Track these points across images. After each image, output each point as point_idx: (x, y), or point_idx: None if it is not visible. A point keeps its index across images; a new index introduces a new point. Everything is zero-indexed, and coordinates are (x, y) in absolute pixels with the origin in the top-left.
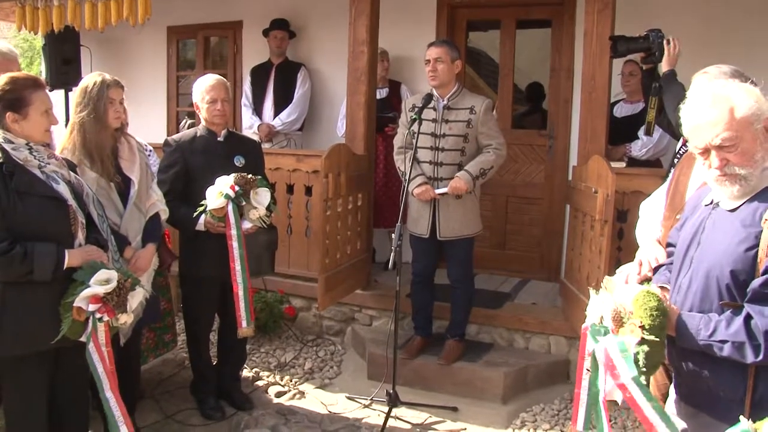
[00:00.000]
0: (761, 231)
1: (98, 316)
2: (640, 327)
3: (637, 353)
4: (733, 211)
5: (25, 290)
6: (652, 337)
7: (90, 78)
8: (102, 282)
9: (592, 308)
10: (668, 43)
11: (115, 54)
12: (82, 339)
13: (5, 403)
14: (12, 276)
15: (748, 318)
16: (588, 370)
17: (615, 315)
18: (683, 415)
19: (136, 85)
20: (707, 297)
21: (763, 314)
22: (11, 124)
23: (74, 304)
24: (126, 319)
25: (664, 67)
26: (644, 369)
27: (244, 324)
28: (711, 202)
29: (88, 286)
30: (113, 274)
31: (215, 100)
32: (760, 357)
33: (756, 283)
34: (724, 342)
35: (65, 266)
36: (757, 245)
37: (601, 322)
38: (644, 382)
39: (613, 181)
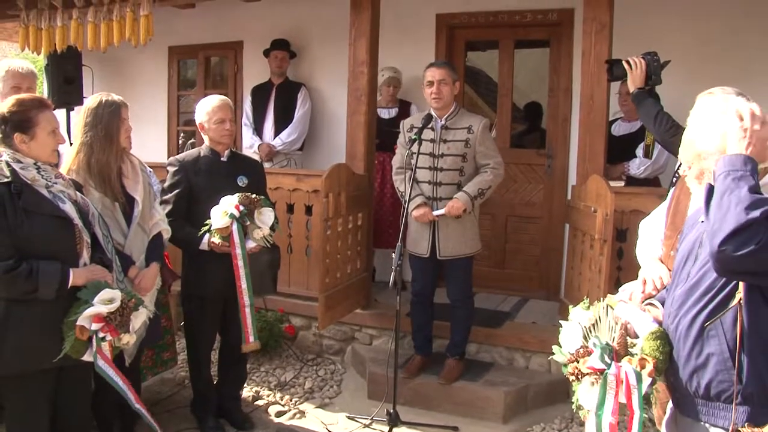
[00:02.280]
0: None
1: (101, 335)
2: (654, 367)
3: (650, 393)
4: None
5: (29, 308)
6: (660, 379)
7: (97, 98)
8: (105, 301)
9: (581, 314)
10: (628, 63)
11: (117, 73)
12: (86, 358)
13: (8, 421)
14: (16, 293)
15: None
16: (592, 382)
17: (622, 340)
18: (681, 428)
19: (137, 104)
20: (700, 310)
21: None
22: (19, 145)
23: (77, 323)
24: (128, 340)
25: (630, 87)
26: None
27: (251, 339)
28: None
29: (92, 305)
30: (117, 294)
31: (223, 120)
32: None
33: None
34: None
35: (69, 285)
36: None
37: (592, 329)
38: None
39: (612, 200)
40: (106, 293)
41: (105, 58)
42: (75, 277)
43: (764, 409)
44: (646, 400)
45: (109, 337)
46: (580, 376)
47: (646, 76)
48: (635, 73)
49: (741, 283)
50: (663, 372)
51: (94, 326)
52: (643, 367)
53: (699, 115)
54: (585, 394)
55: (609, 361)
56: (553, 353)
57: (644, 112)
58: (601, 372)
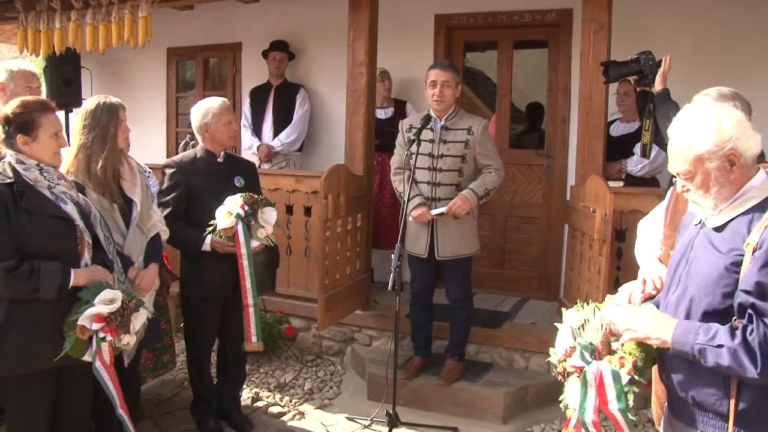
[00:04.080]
0: (743, 253)
1: (101, 335)
2: (633, 366)
3: (628, 392)
4: (718, 230)
5: (30, 308)
6: (641, 380)
7: (95, 100)
8: (106, 302)
9: (572, 316)
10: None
11: (116, 75)
12: (86, 358)
13: (7, 422)
14: (18, 293)
15: (746, 329)
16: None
17: (605, 339)
18: (677, 430)
19: (136, 106)
20: (695, 315)
21: (758, 329)
22: (22, 146)
23: (78, 323)
24: (129, 340)
25: (657, 85)
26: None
27: (254, 339)
28: (700, 222)
29: (93, 305)
30: (118, 295)
31: (230, 121)
32: (759, 370)
33: (738, 299)
34: (721, 347)
35: (70, 285)
36: (738, 264)
37: (582, 329)
38: (631, 416)
39: (611, 200)
40: (107, 294)
41: (104, 59)
42: (76, 277)
43: (758, 423)
44: (626, 397)
45: (109, 338)
46: (566, 375)
47: (642, 74)
48: (664, 73)
49: (735, 307)
50: (644, 371)
51: (95, 326)
52: (622, 365)
53: (685, 121)
54: (570, 392)
55: (589, 359)
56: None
57: (663, 113)
58: (582, 370)
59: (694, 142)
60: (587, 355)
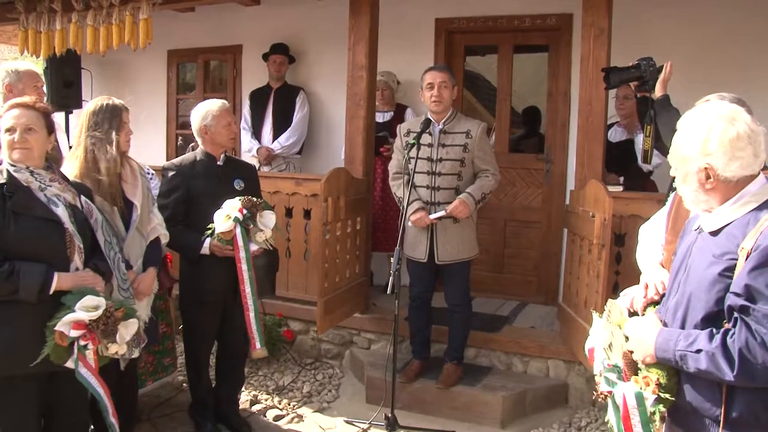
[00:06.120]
0: (737, 258)
1: (82, 343)
2: (656, 384)
3: (654, 412)
4: (714, 234)
5: (13, 309)
6: (667, 396)
7: (98, 102)
8: (89, 308)
9: (596, 333)
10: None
11: (116, 76)
12: (69, 365)
13: None
14: None
15: (726, 333)
16: (604, 396)
17: (627, 360)
18: None
19: (136, 108)
20: (690, 320)
21: (740, 332)
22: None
23: (56, 329)
24: (117, 350)
25: (657, 92)
26: (656, 423)
27: (258, 345)
28: (698, 227)
29: (73, 311)
30: (101, 302)
31: (230, 123)
32: (735, 373)
33: (728, 301)
34: (699, 351)
35: (53, 289)
36: (732, 269)
37: (609, 348)
38: None
39: (610, 205)
40: (89, 300)
41: (104, 61)
42: (60, 281)
43: (752, 429)
44: (652, 417)
45: (91, 346)
46: (605, 399)
47: (642, 80)
48: (665, 79)
49: (725, 309)
50: (671, 387)
51: (74, 333)
52: (647, 384)
53: (684, 122)
54: (611, 413)
55: (615, 382)
56: (552, 358)
57: (665, 120)
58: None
59: (682, 145)
60: (613, 378)
